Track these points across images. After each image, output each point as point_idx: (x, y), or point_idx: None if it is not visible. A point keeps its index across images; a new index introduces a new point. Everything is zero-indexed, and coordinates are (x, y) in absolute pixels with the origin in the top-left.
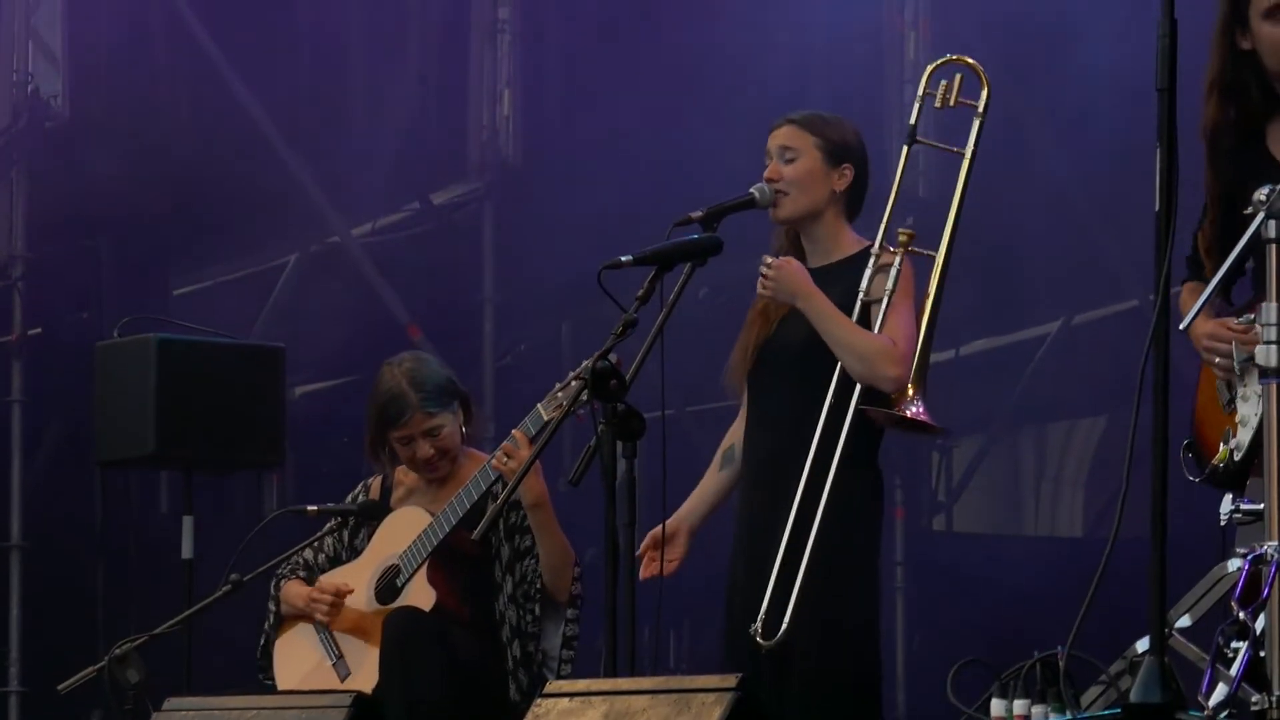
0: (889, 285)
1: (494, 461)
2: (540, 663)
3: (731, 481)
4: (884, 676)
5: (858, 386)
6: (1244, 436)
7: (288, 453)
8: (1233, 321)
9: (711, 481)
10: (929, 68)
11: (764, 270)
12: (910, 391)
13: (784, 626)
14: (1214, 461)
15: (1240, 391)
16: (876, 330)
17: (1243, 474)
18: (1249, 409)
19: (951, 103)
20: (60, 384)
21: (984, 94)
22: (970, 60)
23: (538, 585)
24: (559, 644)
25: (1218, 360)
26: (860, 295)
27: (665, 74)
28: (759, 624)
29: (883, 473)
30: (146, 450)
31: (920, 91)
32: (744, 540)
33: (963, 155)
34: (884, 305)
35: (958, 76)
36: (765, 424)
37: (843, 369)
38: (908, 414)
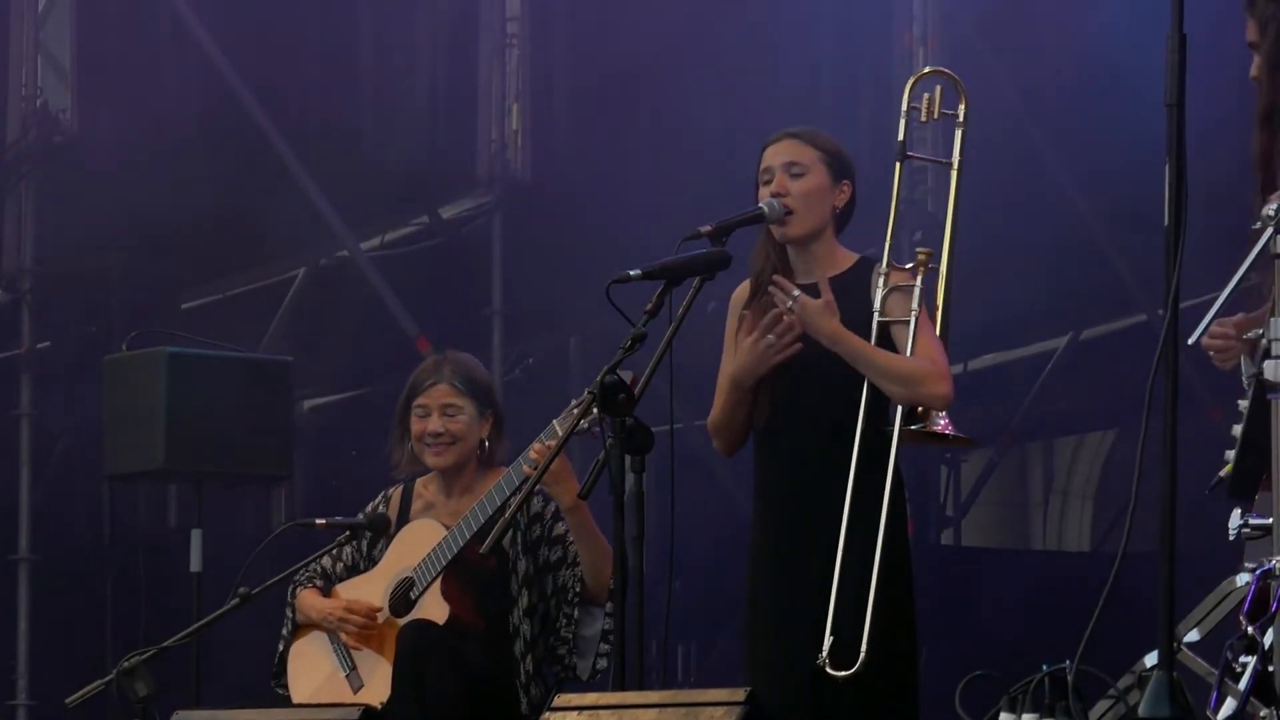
0: (913, 306)
1: (525, 468)
2: (570, 650)
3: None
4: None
5: (899, 410)
6: (1231, 450)
7: (296, 466)
8: (1239, 317)
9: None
10: (909, 81)
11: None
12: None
13: (861, 658)
14: (1220, 474)
15: (1241, 405)
16: (909, 352)
17: (1238, 487)
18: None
19: (935, 115)
20: (69, 397)
21: (962, 105)
22: (947, 70)
23: (577, 589)
24: (597, 637)
25: (1211, 354)
26: (875, 316)
27: (674, 89)
28: (825, 654)
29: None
30: (155, 463)
31: (904, 106)
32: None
33: (951, 166)
34: (912, 327)
35: (938, 89)
36: (787, 450)
37: (869, 398)
38: (936, 429)
